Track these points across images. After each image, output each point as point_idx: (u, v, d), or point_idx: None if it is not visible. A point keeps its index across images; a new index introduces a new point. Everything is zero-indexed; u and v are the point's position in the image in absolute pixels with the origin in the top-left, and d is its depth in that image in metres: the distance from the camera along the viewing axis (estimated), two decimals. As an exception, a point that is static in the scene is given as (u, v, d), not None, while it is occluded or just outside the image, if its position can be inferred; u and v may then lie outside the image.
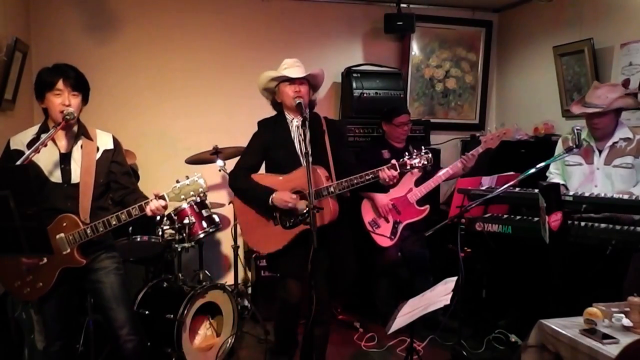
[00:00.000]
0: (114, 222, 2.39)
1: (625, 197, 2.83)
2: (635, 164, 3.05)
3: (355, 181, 2.78)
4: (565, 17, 4.37)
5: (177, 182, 2.41)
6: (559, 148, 3.32)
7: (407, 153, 2.78)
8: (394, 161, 2.75)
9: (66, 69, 2.42)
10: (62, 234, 2.38)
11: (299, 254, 2.78)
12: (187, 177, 2.41)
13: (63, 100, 2.38)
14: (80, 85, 2.44)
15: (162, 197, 2.39)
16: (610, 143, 3.10)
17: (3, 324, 3.01)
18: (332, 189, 2.78)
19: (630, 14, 3.80)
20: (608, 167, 3.08)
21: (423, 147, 2.74)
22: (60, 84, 2.37)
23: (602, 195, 2.89)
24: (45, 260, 2.39)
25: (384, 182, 2.80)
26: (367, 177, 2.77)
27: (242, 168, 2.92)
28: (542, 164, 3.11)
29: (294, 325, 3.06)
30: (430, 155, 2.68)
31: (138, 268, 3.78)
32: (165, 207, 2.41)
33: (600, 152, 3.12)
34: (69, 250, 2.39)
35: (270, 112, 3.03)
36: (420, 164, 2.68)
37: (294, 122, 2.90)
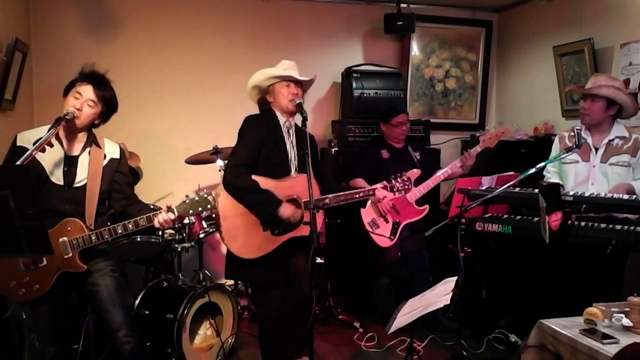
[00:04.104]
0: (120, 231, 2.40)
1: (625, 197, 2.83)
2: (632, 162, 3.06)
3: (350, 197, 2.90)
4: (565, 17, 4.37)
5: (187, 197, 2.49)
6: (556, 146, 3.33)
7: (393, 177, 3.00)
8: (385, 183, 2.98)
9: (101, 81, 2.47)
10: (65, 238, 2.38)
11: (279, 263, 2.78)
12: (197, 194, 2.49)
13: (75, 104, 2.41)
14: (106, 100, 2.48)
15: (171, 210, 2.43)
16: (606, 140, 3.10)
17: (3, 324, 3.00)
18: (327, 201, 2.80)
19: (630, 14, 3.80)
20: (604, 165, 3.08)
21: (404, 173, 3.03)
22: (82, 88, 2.41)
23: (602, 195, 2.89)
24: (44, 262, 2.38)
25: (378, 201, 3.06)
26: (360, 195, 2.95)
27: (243, 165, 2.71)
28: (542, 164, 3.11)
29: (283, 345, 2.91)
30: (411, 183, 3.03)
31: (138, 268, 3.78)
32: (174, 221, 2.48)
33: (596, 150, 3.12)
34: (70, 255, 2.38)
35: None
36: (402, 189, 3.00)
37: (285, 124, 2.88)
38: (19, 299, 2.44)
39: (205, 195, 2.48)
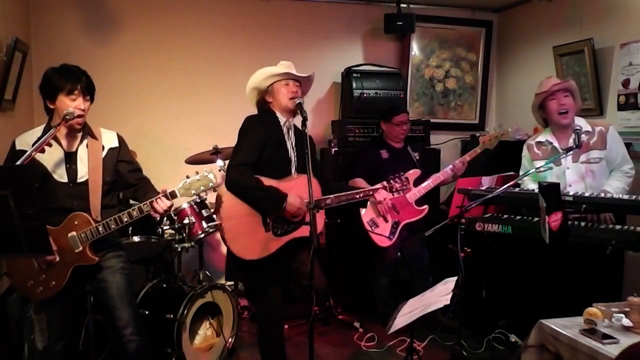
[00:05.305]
0: (126, 219, 2.41)
1: (625, 196, 2.83)
2: (604, 156, 3.04)
3: (350, 197, 2.91)
4: (565, 17, 4.37)
5: (187, 177, 2.46)
6: (526, 154, 3.32)
7: (391, 177, 3.00)
8: (385, 183, 2.98)
9: (80, 75, 2.44)
10: (73, 232, 2.40)
11: (280, 263, 2.78)
12: (197, 173, 2.46)
13: (78, 104, 2.41)
14: (92, 90, 2.48)
15: (173, 193, 2.43)
16: (571, 141, 3.08)
17: (3, 324, 3.01)
18: (329, 201, 2.80)
19: (630, 14, 3.80)
20: (577, 164, 3.07)
21: (402, 173, 3.05)
22: (78, 90, 2.40)
23: (602, 195, 2.89)
24: (57, 258, 2.40)
25: (378, 203, 3.16)
26: (361, 195, 2.95)
27: (246, 164, 2.70)
28: (542, 163, 3.11)
29: (282, 341, 2.93)
30: (410, 183, 3.12)
31: (138, 268, 3.77)
32: (171, 207, 2.46)
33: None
34: (81, 248, 2.40)
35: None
36: (401, 189, 3.01)
37: (285, 124, 2.87)
38: (38, 297, 2.46)
39: (206, 174, 2.46)
